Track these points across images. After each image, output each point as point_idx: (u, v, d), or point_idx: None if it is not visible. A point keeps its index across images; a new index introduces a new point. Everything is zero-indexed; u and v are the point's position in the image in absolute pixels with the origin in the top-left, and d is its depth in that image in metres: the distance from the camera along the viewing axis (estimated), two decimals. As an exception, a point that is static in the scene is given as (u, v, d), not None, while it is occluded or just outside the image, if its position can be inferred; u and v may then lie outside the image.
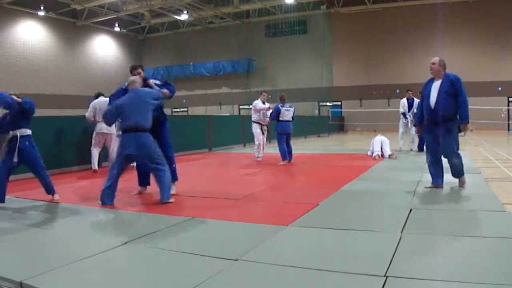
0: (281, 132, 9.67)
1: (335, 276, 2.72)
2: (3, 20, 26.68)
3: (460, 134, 5.85)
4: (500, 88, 26.97)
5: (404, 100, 12.38)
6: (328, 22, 31.06)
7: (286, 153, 9.60)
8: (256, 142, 10.37)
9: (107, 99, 8.92)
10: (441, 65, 5.93)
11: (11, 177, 7.52)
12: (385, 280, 2.59)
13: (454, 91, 5.67)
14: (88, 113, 8.79)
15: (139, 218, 4.52)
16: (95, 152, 8.79)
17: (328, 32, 30.79)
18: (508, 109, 26.61)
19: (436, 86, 5.81)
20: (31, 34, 28.55)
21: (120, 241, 3.56)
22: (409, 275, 2.69)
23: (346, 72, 30.93)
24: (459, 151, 5.84)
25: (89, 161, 9.23)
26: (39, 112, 6.61)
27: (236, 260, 3.05)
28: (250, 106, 10.73)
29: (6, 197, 5.79)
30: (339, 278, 2.68)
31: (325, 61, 30.56)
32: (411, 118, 11.93)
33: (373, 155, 10.36)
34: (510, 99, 27.23)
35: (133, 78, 5.50)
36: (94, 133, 8.79)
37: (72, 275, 2.84)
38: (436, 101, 5.71)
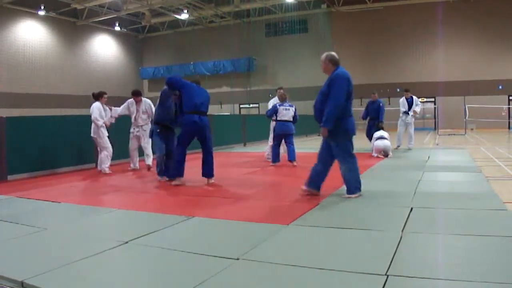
0: (278, 133, 8.97)
1: (336, 275, 2.73)
2: (4, 20, 26.65)
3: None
4: (500, 87, 26.94)
5: (403, 100, 12.52)
6: (329, 21, 31.01)
7: (278, 157, 9.06)
8: (270, 143, 9.91)
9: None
10: (328, 61, 5.25)
11: (12, 177, 7.58)
12: (386, 279, 2.59)
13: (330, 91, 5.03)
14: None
15: (139, 218, 4.52)
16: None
17: (328, 31, 30.73)
18: (509, 108, 26.59)
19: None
20: (32, 33, 28.52)
21: (121, 240, 3.57)
22: (410, 274, 2.69)
23: (346, 70, 30.89)
24: (350, 161, 5.25)
25: (90, 160, 9.25)
26: (40, 112, 6.63)
27: (237, 259, 3.05)
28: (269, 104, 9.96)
29: (7, 197, 5.82)
30: (340, 277, 2.69)
31: (326, 60, 30.47)
32: (409, 117, 12.24)
33: (375, 154, 10.34)
34: (511, 97, 27.20)
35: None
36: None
37: (73, 274, 2.84)
38: (315, 102, 5.26)
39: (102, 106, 8.53)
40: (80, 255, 3.17)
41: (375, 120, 12.31)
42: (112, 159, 8.99)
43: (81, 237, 3.76)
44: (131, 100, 8.78)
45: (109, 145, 8.48)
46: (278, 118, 8.97)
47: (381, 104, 11.92)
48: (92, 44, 33.23)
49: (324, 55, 5.28)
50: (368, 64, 30.20)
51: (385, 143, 10.33)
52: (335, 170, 8.24)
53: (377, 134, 10.69)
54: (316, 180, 5.36)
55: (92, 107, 8.40)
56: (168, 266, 3.00)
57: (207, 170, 6.75)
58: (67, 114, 11.38)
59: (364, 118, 12.75)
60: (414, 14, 28.48)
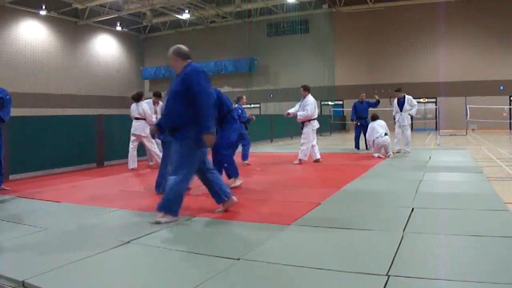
0: None
1: (337, 275, 2.72)
2: (5, 20, 26.68)
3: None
4: (502, 87, 26.90)
5: (395, 102, 11.59)
6: (330, 21, 31.01)
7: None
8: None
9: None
10: (175, 56, 4.38)
11: (13, 177, 7.59)
12: (387, 279, 2.59)
13: (187, 90, 4.15)
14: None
15: (140, 218, 4.52)
16: None
17: (330, 31, 30.74)
18: (510, 108, 26.53)
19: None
20: (33, 33, 28.55)
21: (122, 240, 3.57)
22: (411, 274, 2.69)
23: (348, 71, 30.89)
24: (184, 174, 4.26)
25: (92, 160, 9.28)
26: (41, 112, 6.66)
27: (238, 259, 3.05)
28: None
29: (9, 196, 5.82)
30: (341, 277, 2.68)
31: (327, 60, 30.50)
32: (402, 118, 11.27)
33: (376, 154, 10.28)
34: (512, 98, 27.19)
35: None
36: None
37: (73, 274, 2.84)
38: (166, 103, 4.42)
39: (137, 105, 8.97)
40: (81, 255, 3.17)
41: (362, 120, 12.41)
42: (115, 158, 9.06)
43: (82, 237, 3.76)
44: (150, 100, 9.18)
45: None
46: None
47: (370, 101, 12.85)
48: (93, 44, 33.26)
49: (171, 49, 4.39)
50: (369, 64, 30.19)
51: (385, 139, 10.19)
52: (338, 170, 8.27)
53: (377, 129, 10.31)
54: (219, 191, 4.53)
55: (141, 107, 8.82)
56: (169, 266, 3.00)
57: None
58: (69, 114, 11.41)
59: (352, 118, 12.87)
60: (416, 14, 28.46)
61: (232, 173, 6.45)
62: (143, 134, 8.78)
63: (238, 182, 6.38)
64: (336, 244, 3.43)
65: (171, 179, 4.24)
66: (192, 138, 4.20)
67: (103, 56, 34.02)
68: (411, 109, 11.31)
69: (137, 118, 8.84)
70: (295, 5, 30.00)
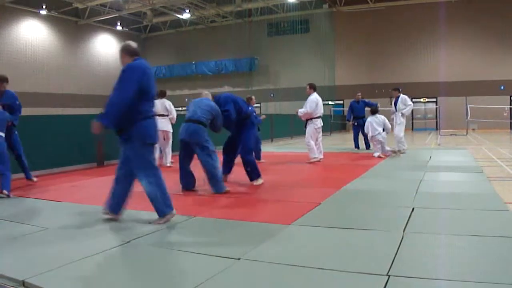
0: None
1: (337, 275, 2.72)
2: (6, 19, 26.67)
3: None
4: (502, 87, 26.91)
5: (393, 101, 11.58)
6: (330, 21, 31.01)
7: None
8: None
9: None
10: (122, 53, 4.25)
11: (12, 176, 7.56)
12: (388, 279, 2.59)
13: None
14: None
15: (141, 217, 4.52)
16: None
17: (330, 31, 30.74)
18: (511, 108, 26.53)
19: None
20: (33, 33, 28.55)
21: (122, 240, 3.57)
22: (411, 274, 2.69)
23: (348, 71, 30.87)
24: (152, 175, 4.20)
25: (91, 159, 9.25)
26: (41, 112, 6.67)
27: (239, 259, 3.05)
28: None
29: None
30: (341, 277, 2.68)
31: (327, 60, 30.49)
32: (396, 117, 11.17)
33: (376, 154, 10.31)
34: (513, 98, 27.19)
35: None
36: None
37: (74, 273, 2.84)
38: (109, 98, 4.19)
39: None
40: (80, 255, 3.17)
41: (359, 119, 12.39)
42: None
43: (82, 237, 3.76)
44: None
45: None
46: None
47: (366, 100, 13.02)
48: (93, 43, 33.27)
49: (120, 45, 4.30)
50: (369, 64, 30.19)
51: (383, 136, 10.33)
52: (338, 170, 8.27)
53: (375, 126, 10.35)
54: (113, 203, 4.33)
55: (168, 104, 9.27)
56: (169, 266, 3.00)
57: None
58: (69, 114, 11.43)
59: (348, 119, 12.90)
60: (416, 14, 28.46)
61: (254, 176, 6.63)
62: (170, 130, 9.17)
63: (260, 181, 6.61)
64: (336, 244, 3.43)
65: (144, 184, 4.21)
66: (137, 137, 4.11)
67: (103, 56, 34.01)
68: (404, 108, 11.22)
69: (160, 115, 8.82)
70: (295, 5, 30.00)
